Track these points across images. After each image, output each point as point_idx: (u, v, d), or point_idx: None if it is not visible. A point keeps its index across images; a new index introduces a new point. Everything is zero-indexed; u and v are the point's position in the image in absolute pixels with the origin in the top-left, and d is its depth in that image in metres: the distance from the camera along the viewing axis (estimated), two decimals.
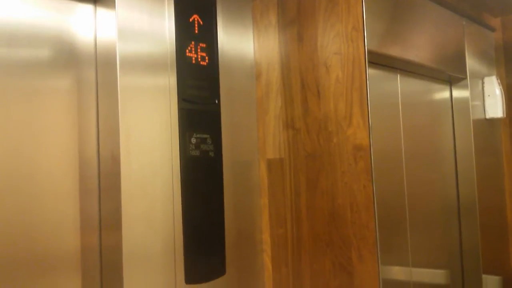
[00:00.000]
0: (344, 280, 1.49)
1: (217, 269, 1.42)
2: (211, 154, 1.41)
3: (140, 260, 1.22)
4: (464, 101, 2.21)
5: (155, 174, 1.27)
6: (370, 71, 1.54)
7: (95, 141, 1.28)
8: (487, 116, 2.35)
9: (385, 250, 1.55)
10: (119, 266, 1.19)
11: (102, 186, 1.26)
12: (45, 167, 1.19)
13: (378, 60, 1.71)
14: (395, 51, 1.72)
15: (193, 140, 1.36)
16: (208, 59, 1.43)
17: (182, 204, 1.32)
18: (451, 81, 2.23)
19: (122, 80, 1.22)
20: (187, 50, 1.37)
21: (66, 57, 1.26)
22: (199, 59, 1.40)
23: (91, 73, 1.29)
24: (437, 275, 2.09)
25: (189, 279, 1.32)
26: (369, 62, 1.50)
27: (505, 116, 2.36)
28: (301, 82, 1.62)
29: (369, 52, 1.49)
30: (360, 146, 1.46)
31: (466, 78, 2.19)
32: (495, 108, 2.33)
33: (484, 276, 2.17)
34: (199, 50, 1.40)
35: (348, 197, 1.48)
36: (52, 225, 1.20)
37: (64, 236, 1.22)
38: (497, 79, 2.35)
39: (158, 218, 1.27)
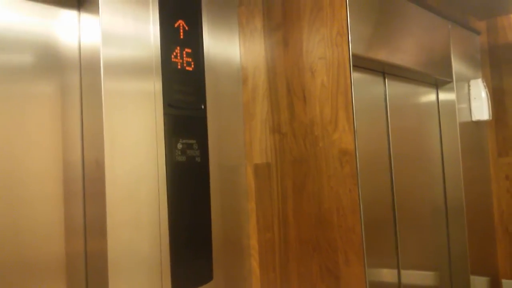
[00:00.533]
0: (331, 284, 1.49)
1: (204, 275, 1.41)
2: (198, 159, 1.41)
3: (125, 267, 1.21)
4: (450, 104, 2.23)
5: (141, 180, 1.26)
6: (357, 75, 1.55)
7: (80, 147, 1.27)
8: (473, 119, 2.37)
9: (374, 252, 1.56)
10: (104, 272, 1.18)
11: (87, 191, 1.25)
12: (28, 172, 1.18)
13: (364, 64, 1.72)
14: (381, 55, 1.73)
15: (179, 146, 1.36)
16: (194, 64, 1.42)
17: (168, 210, 1.31)
18: (438, 84, 2.25)
19: (106, 85, 1.21)
20: (172, 56, 1.37)
21: (50, 62, 1.25)
22: (185, 65, 1.40)
23: (75, 78, 1.28)
24: (425, 276, 2.10)
25: (175, 286, 1.31)
26: (355, 66, 1.51)
27: (491, 118, 2.39)
28: (287, 86, 1.62)
29: (355, 56, 1.50)
30: (345, 151, 1.47)
31: (452, 81, 2.21)
32: (481, 110, 2.36)
33: (472, 277, 2.18)
34: (184, 56, 1.40)
35: (334, 201, 1.49)
36: (36, 231, 1.18)
37: (48, 242, 1.20)
38: (483, 82, 2.37)
39: (144, 224, 1.26)
